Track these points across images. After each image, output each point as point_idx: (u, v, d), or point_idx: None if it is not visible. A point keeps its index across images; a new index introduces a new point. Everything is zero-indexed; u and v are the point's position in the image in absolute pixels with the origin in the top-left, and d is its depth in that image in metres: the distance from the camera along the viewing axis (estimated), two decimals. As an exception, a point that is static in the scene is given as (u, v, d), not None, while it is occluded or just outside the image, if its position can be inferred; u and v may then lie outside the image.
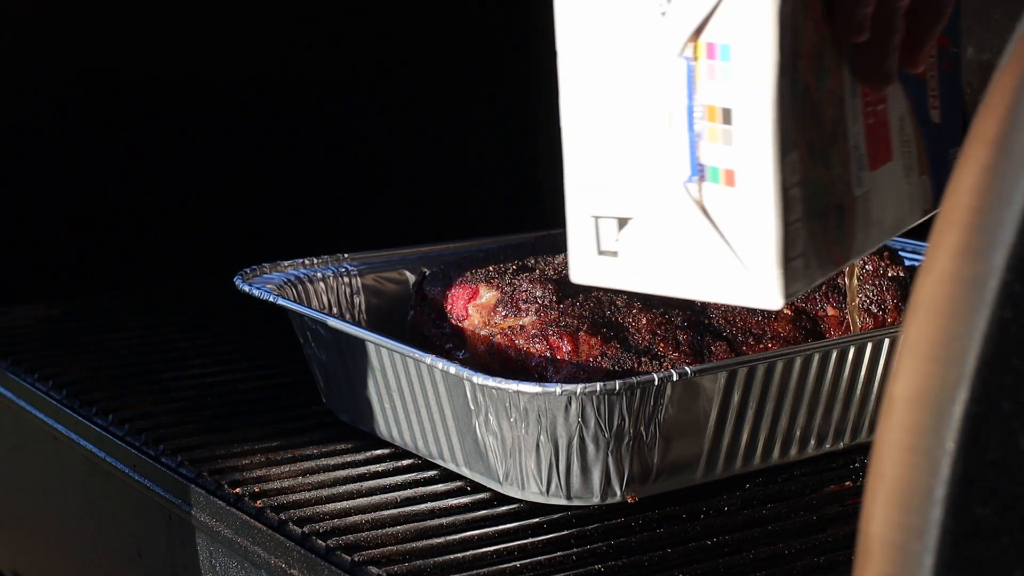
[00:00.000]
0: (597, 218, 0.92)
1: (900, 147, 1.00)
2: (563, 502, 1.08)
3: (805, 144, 0.89)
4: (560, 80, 0.91)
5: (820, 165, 0.91)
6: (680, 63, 0.87)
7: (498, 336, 1.14)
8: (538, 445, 1.06)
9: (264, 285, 1.27)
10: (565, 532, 1.07)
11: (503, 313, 1.15)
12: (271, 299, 1.24)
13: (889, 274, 1.24)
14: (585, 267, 0.92)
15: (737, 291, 0.87)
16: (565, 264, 1.22)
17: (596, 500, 1.08)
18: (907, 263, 1.29)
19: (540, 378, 1.10)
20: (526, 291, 1.15)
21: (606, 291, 1.16)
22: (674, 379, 1.05)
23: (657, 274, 0.91)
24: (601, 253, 0.92)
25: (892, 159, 0.99)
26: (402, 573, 1.02)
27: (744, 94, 0.86)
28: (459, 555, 1.04)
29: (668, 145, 0.89)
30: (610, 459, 1.06)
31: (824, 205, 0.91)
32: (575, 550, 1.05)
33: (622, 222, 0.92)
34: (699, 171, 0.88)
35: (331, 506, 1.12)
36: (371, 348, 1.16)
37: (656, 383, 1.04)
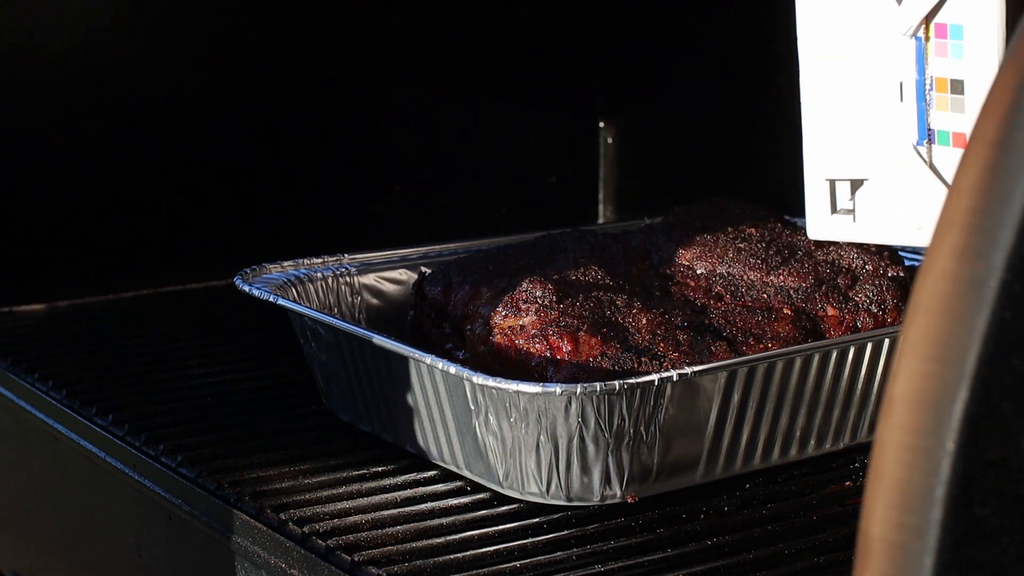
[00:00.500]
0: (833, 181, 1.07)
1: None
2: (563, 502, 1.08)
3: None
4: (800, 63, 1.06)
5: None
6: (911, 42, 1.01)
7: (498, 336, 1.14)
8: (538, 445, 1.05)
9: (264, 285, 1.27)
10: (565, 532, 1.07)
11: (503, 313, 1.15)
12: (271, 299, 1.24)
13: (889, 274, 1.24)
14: (821, 225, 1.08)
15: None
16: (565, 264, 1.22)
17: (596, 500, 1.08)
18: (907, 263, 1.29)
19: (540, 378, 1.09)
20: (526, 291, 1.15)
21: (606, 291, 1.16)
22: (674, 379, 1.05)
23: (888, 227, 1.06)
24: (836, 212, 1.08)
25: None
26: (402, 573, 1.02)
27: (976, 66, 0.99)
28: (459, 555, 1.04)
29: (899, 113, 1.03)
30: (610, 459, 1.06)
31: None
32: (575, 550, 1.05)
33: (855, 184, 1.07)
34: (928, 135, 1.03)
35: (331, 506, 1.12)
36: (371, 348, 1.16)
37: (656, 383, 1.04)
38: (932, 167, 1.03)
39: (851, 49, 1.03)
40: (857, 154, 1.06)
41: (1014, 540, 0.57)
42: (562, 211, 1.96)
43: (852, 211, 1.08)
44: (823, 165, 1.07)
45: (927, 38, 1.01)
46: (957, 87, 1.01)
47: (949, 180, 0.96)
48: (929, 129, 1.03)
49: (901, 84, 1.02)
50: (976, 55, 0.99)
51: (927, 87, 1.02)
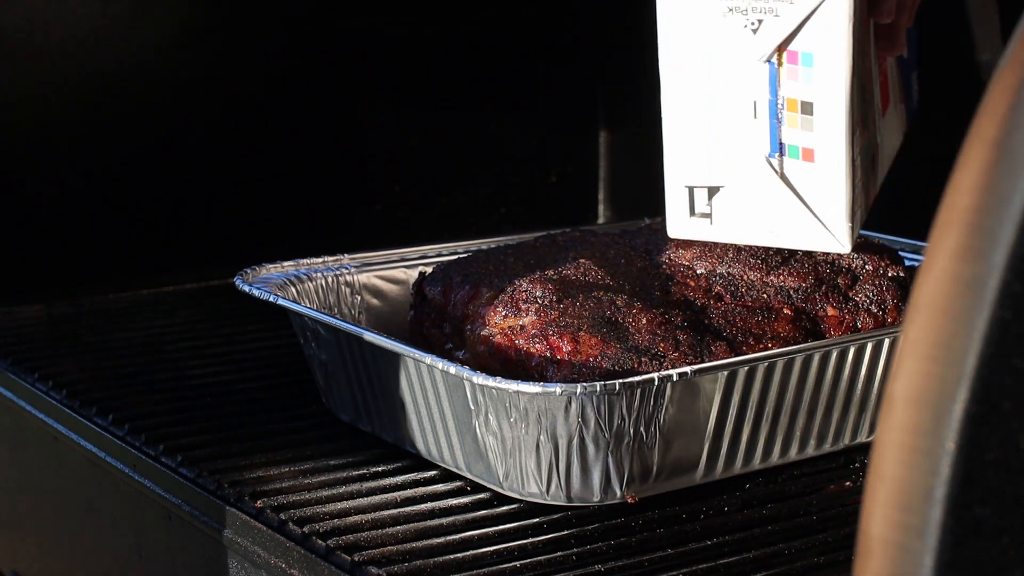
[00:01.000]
0: (691, 188, 1.14)
1: (894, 89, 1.22)
2: (563, 502, 1.08)
3: (860, 118, 1.11)
4: (661, 78, 1.13)
5: (867, 130, 1.13)
6: (765, 67, 1.09)
7: (498, 336, 1.14)
8: (538, 445, 1.05)
9: (264, 285, 1.27)
10: (565, 532, 1.07)
11: (503, 313, 1.15)
12: (271, 299, 1.24)
13: (889, 274, 1.24)
14: (680, 226, 1.16)
15: (812, 240, 1.13)
16: (565, 264, 1.22)
17: (596, 500, 1.08)
18: (907, 263, 1.29)
19: (540, 378, 1.09)
20: (526, 291, 1.15)
21: (606, 291, 1.16)
22: (674, 379, 1.05)
23: (742, 229, 1.14)
24: (694, 215, 1.15)
25: (891, 102, 1.21)
26: (402, 573, 1.02)
27: (824, 91, 1.08)
28: (459, 555, 1.04)
29: (753, 129, 1.11)
30: (610, 459, 1.06)
31: (869, 161, 1.14)
32: (575, 550, 1.05)
33: (712, 190, 1.14)
34: (779, 148, 1.11)
35: (331, 506, 1.12)
36: (371, 348, 1.16)
37: (656, 383, 1.04)
38: (783, 177, 1.11)
39: (708, 69, 1.11)
40: (714, 163, 1.13)
41: (1014, 540, 0.57)
42: (562, 211, 1.96)
43: (709, 215, 1.14)
44: (682, 173, 1.14)
45: (780, 63, 1.09)
46: (807, 108, 1.09)
47: (799, 190, 1.12)
48: (781, 143, 1.11)
49: (755, 103, 1.10)
50: (824, 81, 1.08)
51: (779, 106, 1.10)
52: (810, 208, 1.12)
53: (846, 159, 1.09)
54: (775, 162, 1.11)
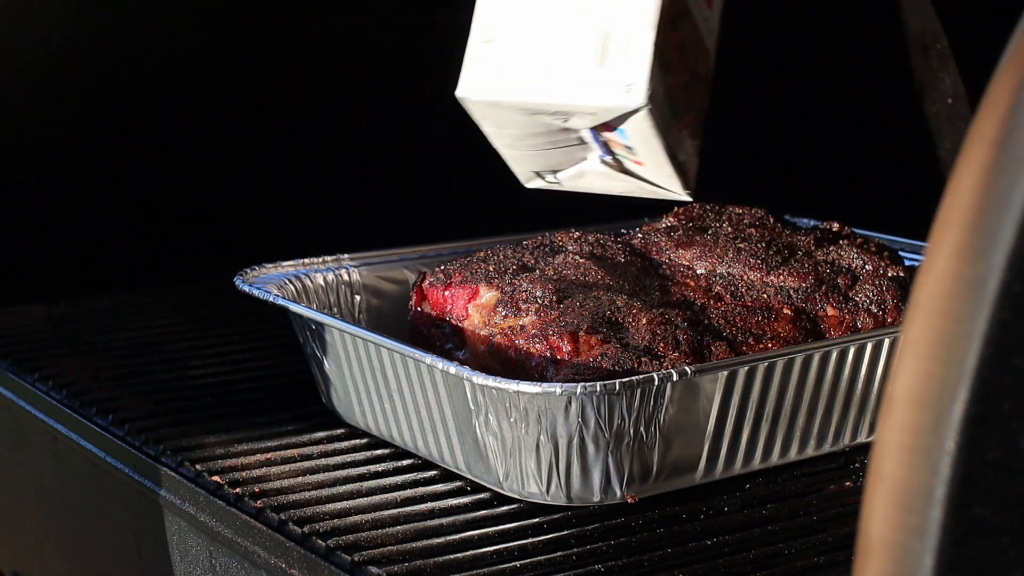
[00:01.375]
0: (538, 172, 1.24)
1: None
2: (563, 502, 1.08)
3: (678, 108, 1.18)
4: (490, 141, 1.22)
5: (691, 93, 1.21)
6: (585, 130, 1.16)
7: (498, 336, 1.14)
8: (538, 445, 1.05)
9: (264, 285, 1.27)
10: (565, 532, 1.07)
11: (503, 313, 1.15)
12: (271, 299, 1.24)
13: (889, 274, 1.24)
14: (532, 184, 1.26)
15: (657, 195, 1.23)
16: (565, 264, 1.22)
17: (596, 500, 1.08)
18: (907, 263, 1.29)
19: (540, 378, 1.09)
20: (526, 291, 1.15)
21: (606, 291, 1.16)
22: (674, 379, 1.05)
23: (592, 189, 1.24)
24: (544, 180, 1.25)
25: None
26: (402, 573, 1.02)
27: (641, 148, 1.15)
28: (459, 555, 1.04)
29: (583, 150, 1.18)
30: (610, 459, 1.06)
31: (692, 101, 1.21)
32: (575, 550, 1.05)
33: (556, 170, 1.23)
34: (610, 154, 1.18)
35: (331, 506, 1.12)
36: (371, 348, 1.16)
37: (656, 383, 1.04)
38: (621, 168, 1.20)
39: (530, 132, 1.18)
40: (551, 166, 1.22)
41: (1014, 540, 0.57)
42: (562, 211, 1.96)
43: (558, 182, 1.25)
44: (527, 169, 1.24)
45: (599, 129, 1.15)
46: (629, 149, 1.16)
47: (636, 173, 1.19)
48: (612, 152, 1.18)
49: (581, 138, 1.17)
50: (640, 145, 1.15)
51: (603, 139, 1.16)
52: (649, 181, 1.21)
53: (672, 168, 1.18)
54: (609, 160, 1.18)
